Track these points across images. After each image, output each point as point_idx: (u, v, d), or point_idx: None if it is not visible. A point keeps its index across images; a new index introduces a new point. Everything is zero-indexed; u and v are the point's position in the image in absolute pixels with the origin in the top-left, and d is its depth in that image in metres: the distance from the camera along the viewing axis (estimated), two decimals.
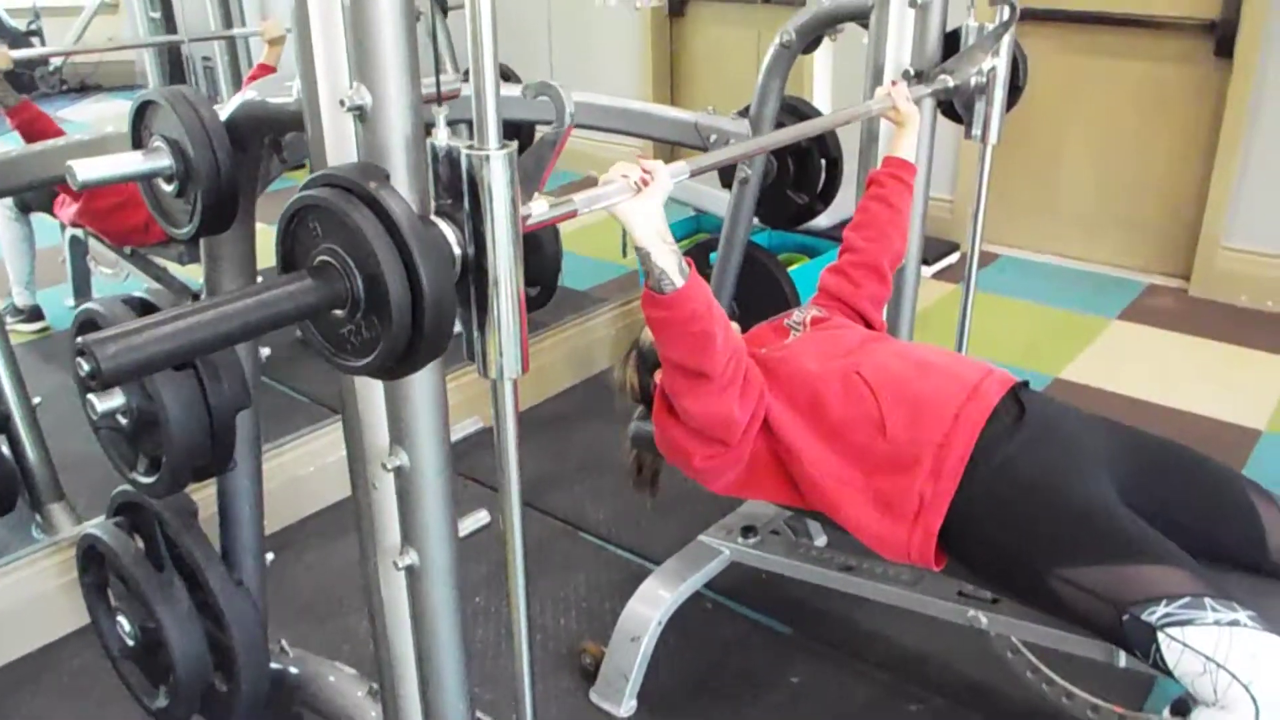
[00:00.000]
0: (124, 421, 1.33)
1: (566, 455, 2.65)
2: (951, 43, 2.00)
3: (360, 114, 1.00)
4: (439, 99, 1.03)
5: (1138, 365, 3.12)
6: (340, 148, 1.05)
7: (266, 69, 3.19)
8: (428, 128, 1.02)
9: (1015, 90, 2.03)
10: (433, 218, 1.00)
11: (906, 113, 1.79)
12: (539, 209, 1.06)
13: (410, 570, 1.24)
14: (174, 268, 3.13)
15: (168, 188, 1.20)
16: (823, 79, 3.80)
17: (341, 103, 0.99)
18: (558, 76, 1.01)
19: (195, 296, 1.42)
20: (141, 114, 1.20)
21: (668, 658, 1.88)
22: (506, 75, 3.30)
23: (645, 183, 1.26)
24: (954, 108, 2.04)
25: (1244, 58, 3.27)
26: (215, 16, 3.85)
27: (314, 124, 1.06)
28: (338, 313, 0.96)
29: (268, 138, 1.28)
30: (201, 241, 1.34)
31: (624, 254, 3.43)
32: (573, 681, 1.90)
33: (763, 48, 2.28)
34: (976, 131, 2.01)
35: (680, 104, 4.70)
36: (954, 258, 3.95)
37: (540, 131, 1.04)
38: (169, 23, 4.02)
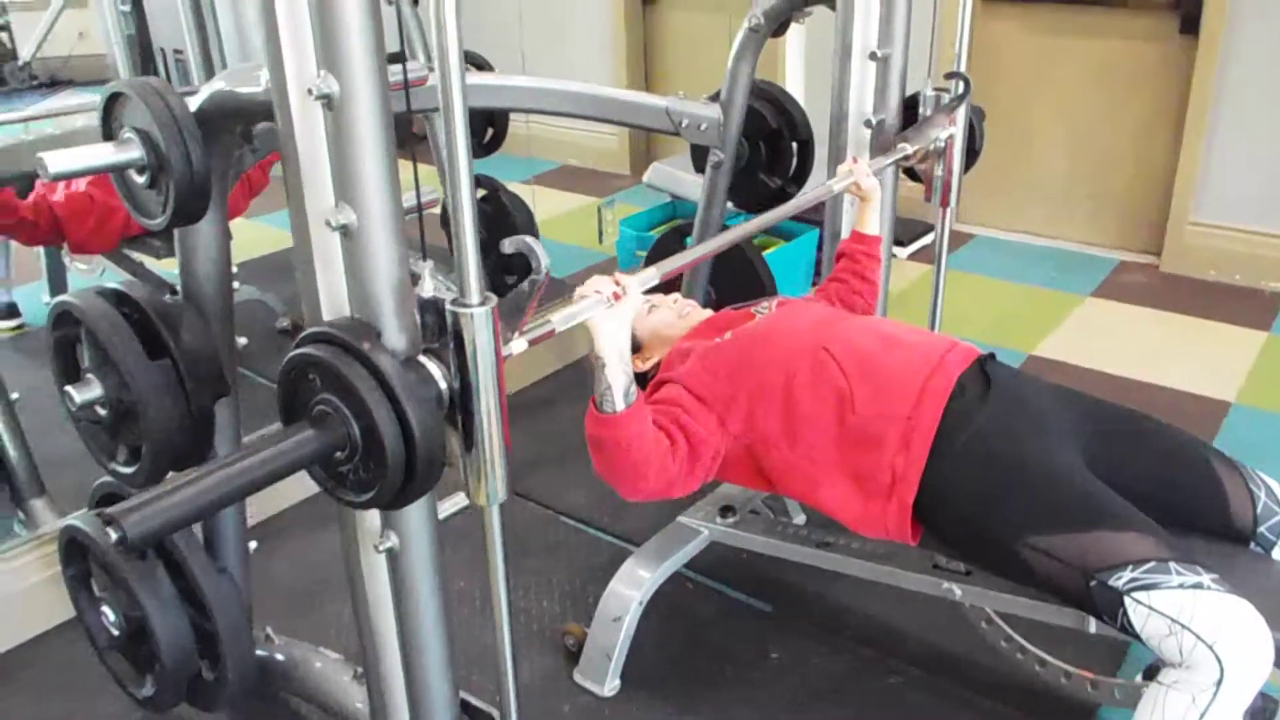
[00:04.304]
0: (103, 412, 1.34)
1: (547, 440, 2.66)
2: (910, 106, 2.09)
3: (328, 102, 1.02)
4: (406, 86, 1.04)
5: (1111, 341, 3.16)
6: (309, 137, 1.06)
7: None
8: (413, 274, 1.09)
9: (972, 153, 2.11)
10: (420, 358, 1.08)
11: (868, 188, 1.86)
12: (519, 346, 1.14)
13: (391, 553, 1.26)
14: (150, 262, 3.11)
15: (139, 179, 1.20)
16: (794, 61, 3.82)
17: (310, 91, 1.01)
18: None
19: (173, 291, 1.43)
20: (111, 106, 1.20)
21: (650, 637, 1.90)
22: (479, 64, 3.31)
23: (618, 297, 1.32)
24: (913, 171, 2.11)
25: (1208, 34, 3.31)
26: (185, 8, 3.81)
27: (283, 113, 1.07)
28: (338, 455, 1.04)
29: (238, 127, 1.28)
30: (175, 232, 1.34)
31: (600, 240, 3.44)
32: (556, 662, 1.92)
33: (734, 32, 2.30)
34: (936, 196, 2.09)
35: (654, 90, 4.70)
36: (929, 238, 3.97)
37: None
38: (139, 16, 3.97)
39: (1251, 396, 2.77)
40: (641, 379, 1.70)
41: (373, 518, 1.26)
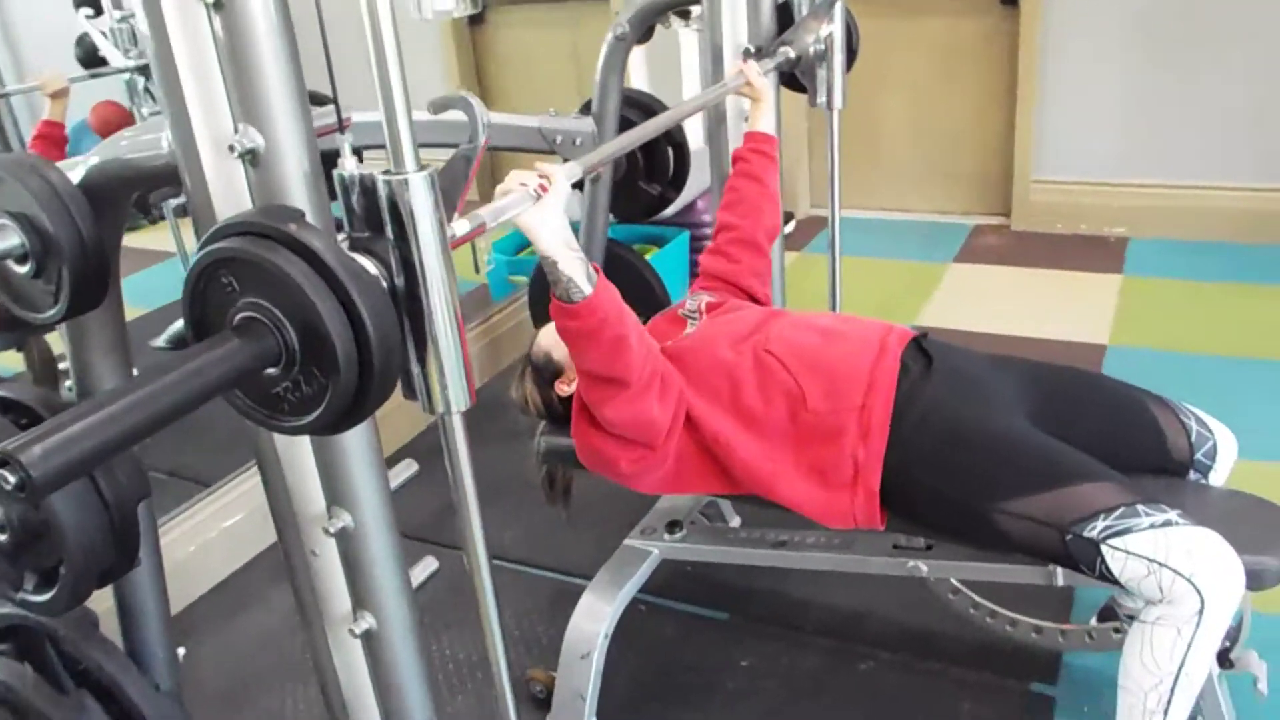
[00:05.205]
0: (2, 538, 1.18)
1: None
2: (785, 16, 2.06)
3: (252, 158, 0.92)
4: (340, 128, 0.95)
5: (982, 301, 3.30)
6: (230, 197, 0.96)
7: (54, 125, 2.92)
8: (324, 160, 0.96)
9: (850, 53, 2.10)
10: (350, 254, 0.91)
11: (760, 87, 1.84)
12: (461, 228, 1.00)
13: (368, 635, 1.16)
14: None
15: (20, 269, 1.06)
16: (639, 67, 3.82)
17: (231, 148, 0.90)
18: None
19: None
20: None
21: (617, 670, 1.83)
22: (318, 100, 3.16)
23: (544, 189, 1.22)
24: (795, 79, 2.09)
25: (1029, 4, 3.50)
26: None
27: (194, 175, 0.96)
28: (270, 371, 0.87)
29: (133, 196, 1.15)
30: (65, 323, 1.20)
31: (476, 270, 3.35)
32: (525, 713, 1.83)
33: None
34: (822, 99, 2.07)
35: (492, 110, 4.63)
36: (790, 227, 4.06)
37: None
38: None
39: (1122, 336, 2.94)
40: (566, 404, 1.64)
41: (342, 601, 1.16)
